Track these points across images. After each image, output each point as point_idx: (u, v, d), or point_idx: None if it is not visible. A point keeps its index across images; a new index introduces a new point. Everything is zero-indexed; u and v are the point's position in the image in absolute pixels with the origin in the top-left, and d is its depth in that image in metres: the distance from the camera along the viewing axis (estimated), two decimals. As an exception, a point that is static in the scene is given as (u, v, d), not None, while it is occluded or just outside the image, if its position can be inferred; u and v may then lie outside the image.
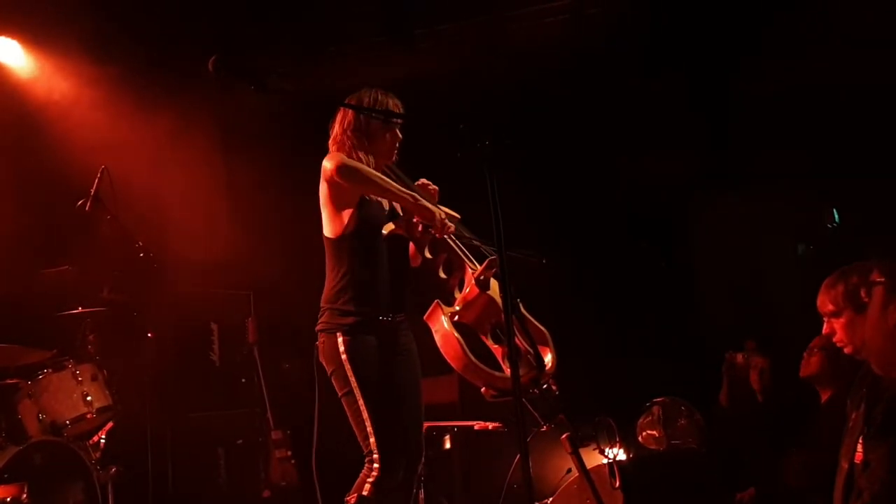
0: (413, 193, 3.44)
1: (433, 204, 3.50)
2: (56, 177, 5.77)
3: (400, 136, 3.62)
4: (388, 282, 3.53)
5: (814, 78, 5.46)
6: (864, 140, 5.38)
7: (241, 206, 6.86)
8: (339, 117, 3.59)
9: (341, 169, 3.39)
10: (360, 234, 3.48)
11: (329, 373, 3.50)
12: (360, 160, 3.50)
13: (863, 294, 3.14)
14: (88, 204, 5.03)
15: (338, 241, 3.51)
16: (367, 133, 3.54)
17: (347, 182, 3.41)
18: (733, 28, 5.72)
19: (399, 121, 3.56)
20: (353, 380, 3.40)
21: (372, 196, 3.52)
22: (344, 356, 3.41)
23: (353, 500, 3.36)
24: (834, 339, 3.29)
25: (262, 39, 6.32)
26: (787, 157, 5.65)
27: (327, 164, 3.44)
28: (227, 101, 6.75)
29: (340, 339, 3.43)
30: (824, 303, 3.27)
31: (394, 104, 3.57)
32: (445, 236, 3.44)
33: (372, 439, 3.36)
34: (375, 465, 3.35)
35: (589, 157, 6.15)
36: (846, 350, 3.26)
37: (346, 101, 3.54)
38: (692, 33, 5.83)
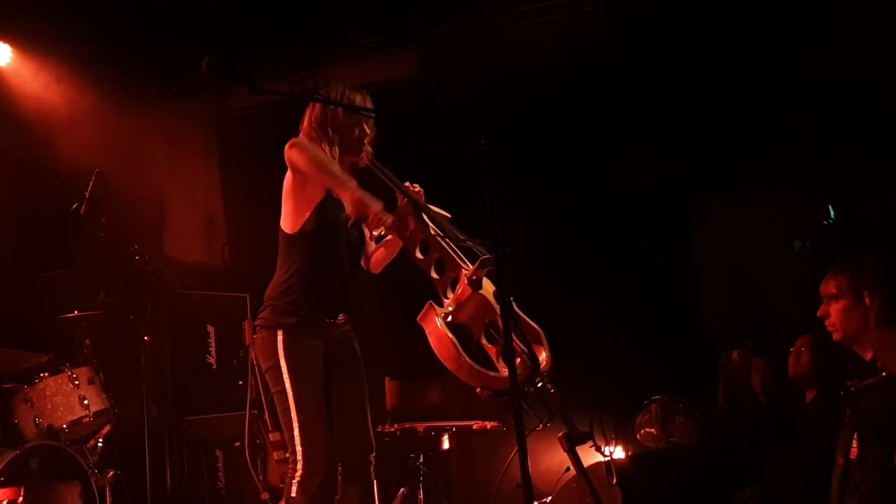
0: (353, 184, 3.30)
1: (416, 204, 3.47)
2: (51, 180, 5.77)
3: (368, 131, 3.59)
4: (337, 283, 3.55)
5: (812, 77, 5.45)
6: (864, 139, 5.38)
7: (237, 208, 6.86)
8: (307, 111, 3.61)
9: (295, 144, 3.40)
10: (317, 233, 3.48)
11: (264, 369, 3.52)
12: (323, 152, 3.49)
13: (864, 289, 3.15)
14: (83, 207, 5.01)
15: (293, 237, 3.51)
16: (333, 126, 3.53)
17: (297, 157, 3.38)
18: (733, 28, 5.71)
19: (365, 115, 3.54)
20: (287, 379, 3.42)
21: (331, 193, 3.47)
22: (282, 354, 3.43)
23: None
24: (826, 323, 3.29)
25: (258, 41, 6.31)
26: (786, 157, 5.65)
27: (286, 148, 3.43)
28: (222, 104, 6.75)
29: (280, 338, 3.45)
30: (828, 285, 3.27)
31: (360, 99, 3.56)
32: (438, 238, 3.41)
33: (297, 440, 3.38)
34: (299, 465, 3.38)
35: (587, 156, 6.14)
36: (835, 336, 3.25)
37: (313, 96, 3.56)
38: (691, 32, 5.83)
